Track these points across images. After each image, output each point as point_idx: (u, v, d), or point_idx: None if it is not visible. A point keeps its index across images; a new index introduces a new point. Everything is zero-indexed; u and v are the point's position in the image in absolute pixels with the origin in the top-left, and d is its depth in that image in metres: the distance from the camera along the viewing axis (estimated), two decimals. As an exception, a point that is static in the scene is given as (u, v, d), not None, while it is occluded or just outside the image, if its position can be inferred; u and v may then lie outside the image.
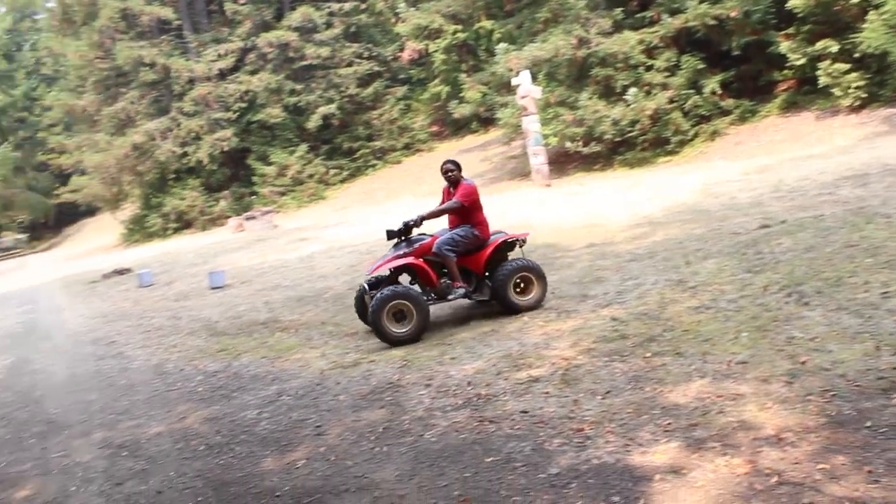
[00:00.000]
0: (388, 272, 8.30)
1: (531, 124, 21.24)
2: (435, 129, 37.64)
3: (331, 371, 7.12)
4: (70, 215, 57.84)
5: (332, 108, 33.95)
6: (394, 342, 7.67)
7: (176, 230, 35.62)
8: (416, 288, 8.20)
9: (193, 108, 34.78)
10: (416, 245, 8.13)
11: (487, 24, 31.88)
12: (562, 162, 23.98)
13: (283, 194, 33.73)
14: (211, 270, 15.80)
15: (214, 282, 14.99)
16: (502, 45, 24.04)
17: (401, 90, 36.67)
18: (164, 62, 34.90)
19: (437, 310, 8.55)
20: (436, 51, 33.72)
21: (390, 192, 29.67)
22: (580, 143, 22.16)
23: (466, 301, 8.61)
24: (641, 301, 7.48)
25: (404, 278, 8.46)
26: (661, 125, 20.84)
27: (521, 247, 8.52)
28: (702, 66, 20.86)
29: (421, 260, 8.05)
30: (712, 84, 20.66)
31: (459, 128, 35.46)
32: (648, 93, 20.88)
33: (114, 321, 13.56)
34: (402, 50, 36.77)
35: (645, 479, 3.90)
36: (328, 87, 34.61)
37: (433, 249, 8.03)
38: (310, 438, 5.40)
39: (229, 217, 32.59)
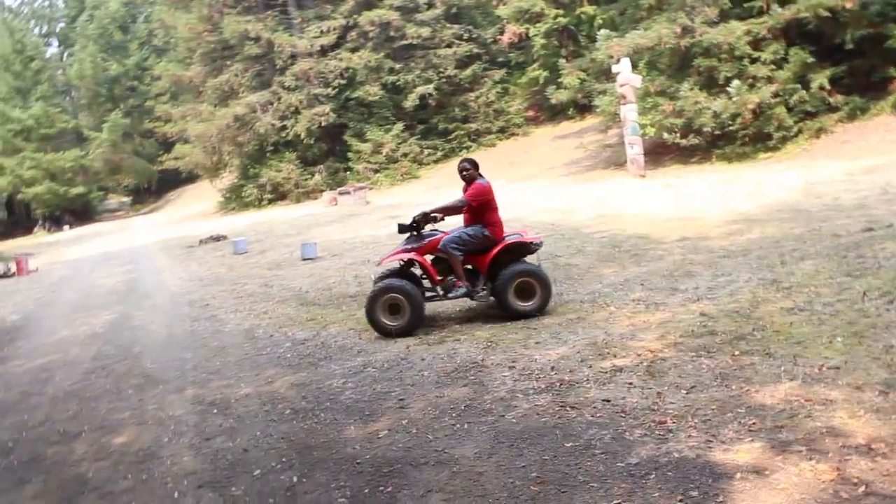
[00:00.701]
0: (398, 264, 8.40)
1: (629, 113, 20.94)
2: (531, 113, 37.42)
3: (416, 346, 7.25)
4: (172, 181, 59.80)
5: (429, 88, 34.09)
6: (386, 334, 7.86)
7: (271, 201, 36.46)
8: (417, 283, 8.23)
9: (294, 82, 35.44)
10: (425, 241, 8.18)
11: (590, 9, 31.48)
12: (658, 153, 23.56)
13: (376, 171, 34.12)
14: (303, 242, 16.18)
15: (306, 253, 15.35)
16: (604, 32, 23.67)
17: (499, 73, 36.51)
18: (269, 37, 35.61)
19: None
20: (536, 35, 33.45)
21: (483, 174, 29.63)
22: (678, 134, 21.72)
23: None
24: (733, 298, 7.35)
25: (418, 271, 8.43)
26: (763, 120, 20.21)
27: (534, 251, 8.28)
28: (811, 59, 20.07)
29: (424, 256, 8.14)
30: (821, 79, 19.88)
31: (556, 113, 35.17)
32: (752, 86, 20.25)
33: (209, 285, 14.05)
34: (501, 33, 36.58)
35: (725, 477, 3.87)
36: (427, 67, 34.76)
37: (439, 246, 8.05)
38: (393, 410, 5.53)
39: (323, 191, 33.16)
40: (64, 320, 12.80)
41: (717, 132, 21.01)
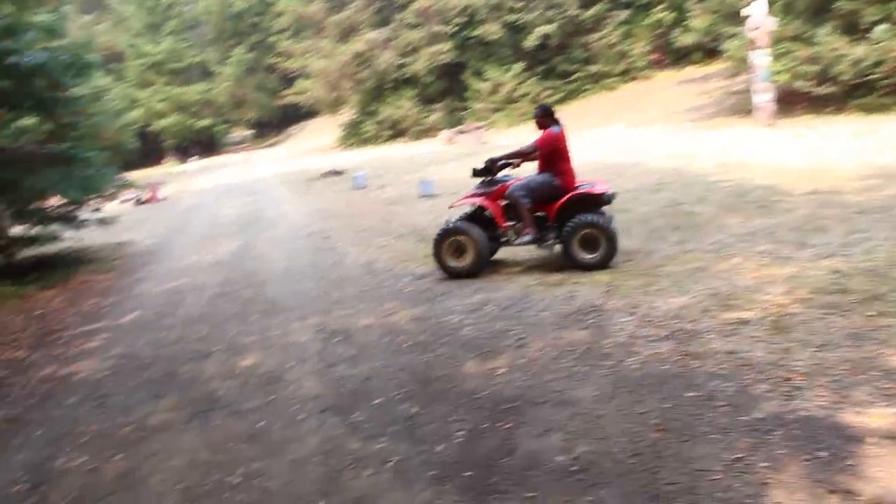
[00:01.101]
0: (471, 208, 8.44)
1: (760, 59, 19.98)
2: (654, 56, 36.23)
3: (536, 287, 7.25)
4: (293, 116, 61.11)
5: (551, 28, 33.44)
6: (451, 274, 8.06)
7: (389, 138, 36.86)
8: (489, 227, 8.23)
9: (415, 20, 35.41)
10: (496, 186, 8.20)
11: (724, -54, 30.01)
12: (788, 102, 22.47)
13: (494, 111, 33.90)
14: (422, 180, 16.32)
15: (425, 190, 15.50)
16: (739, -29, 22.58)
17: (622, 14, 35.36)
18: (392, -28, 35.69)
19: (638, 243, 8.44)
20: (664, -27, 32.29)
21: (603, 117, 29.08)
22: (812, 82, 20.60)
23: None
24: (868, 256, 7.00)
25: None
26: (909, 68, 18.97)
27: (607, 202, 8.01)
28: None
29: (493, 201, 8.16)
30: (977, 25, 18.45)
31: (680, 57, 33.94)
32: (900, 31, 19.00)
33: (329, 218, 14.39)
34: (628, -29, 35.49)
35: (856, 440, 3.72)
36: (549, 6, 34.03)
37: (506, 193, 8.06)
38: (511, 349, 5.57)
39: (441, 129, 33.26)
40: (192, 247, 13.39)
41: (855, 81, 19.84)
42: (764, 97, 20.01)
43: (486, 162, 8.27)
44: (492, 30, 34.01)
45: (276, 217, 15.88)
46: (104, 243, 15.10)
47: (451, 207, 9.06)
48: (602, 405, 4.41)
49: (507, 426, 4.27)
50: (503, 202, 8.19)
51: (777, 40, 21.14)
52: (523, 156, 8.28)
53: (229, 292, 9.10)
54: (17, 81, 11.26)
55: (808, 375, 4.51)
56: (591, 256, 7.75)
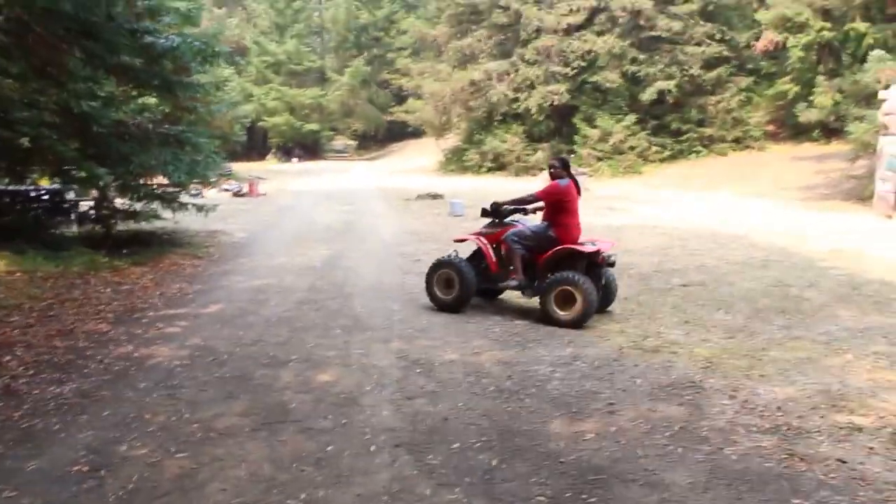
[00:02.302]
0: (476, 247, 8.77)
1: (889, 146, 19.13)
2: (771, 128, 35.29)
3: (629, 350, 6.88)
4: (397, 133, 61.82)
5: (670, 84, 32.90)
6: (439, 305, 8.48)
7: (490, 169, 36.79)
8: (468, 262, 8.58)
9: (534, 57, 35.37)
10: (497, 228, 8.56)
11: (861, 26, 28.97)
12: (911, 195, 21.47)
13: (600, 159, 33.48)
14: (452, 200, 16.54)
15: (454, 210, 16.74)
16: (877, 53, 21.74)
17: (745, 80, 34.61)
18: (518, 7, 35.74)
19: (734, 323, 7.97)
20: (794, 46, 31.22)
21: (709, 181, 28.37)
22: (941, 178, 19.64)
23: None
24: None
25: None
26: None
27: (603, 263, 8.11)
28: None
29: (489, 242, 8.54)
30: None
31: (799, 132, 32.91)
32: None
33: (422, 241, 14.26)
34: (757, 39, 34.49)
35: None
36: (671, 62, 33.55)
37: (502, 237, 8.36)
38: (601, 413, 5.22)
39: (543, 169, 32.98)
40: (283, 247, 13.43)
41: None
42: (887, 186, 19.14)
43: (493, 204, 8.65)
44: (610, 77, 33.70)
45: (369, 230, 15.85)
46: (198, 229, 15.31)
47: (454, 241, 9.41)
48: (696, 495, 4.03)
49: (592, 500, 3.93)
50: (503, 245, 8.45)
51: (909, 129, 20.22)
52: (524, 203, 8.56)
53: (315, 300, 8.99)
54: (149, 61, 11.53)
55: None
56: (564, 314, 7.75)
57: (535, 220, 8.80)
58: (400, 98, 54.79)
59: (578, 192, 8.27)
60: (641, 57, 34.08)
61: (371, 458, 4.42)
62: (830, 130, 29.57)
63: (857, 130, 22.17)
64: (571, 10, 35.06)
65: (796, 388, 5.91)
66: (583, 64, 34.86)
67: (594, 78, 34.49)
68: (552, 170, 8.29)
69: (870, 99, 22.27)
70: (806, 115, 27.73)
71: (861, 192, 22.29)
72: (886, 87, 19.61)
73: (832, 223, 17.29)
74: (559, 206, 8.13)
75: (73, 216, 13.87)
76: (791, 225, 16.85)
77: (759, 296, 9.45)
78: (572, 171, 8.61)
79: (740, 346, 7.14)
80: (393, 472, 4.25)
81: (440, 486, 4.07)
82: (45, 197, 14.00)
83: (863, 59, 24.88)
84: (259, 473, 4.20)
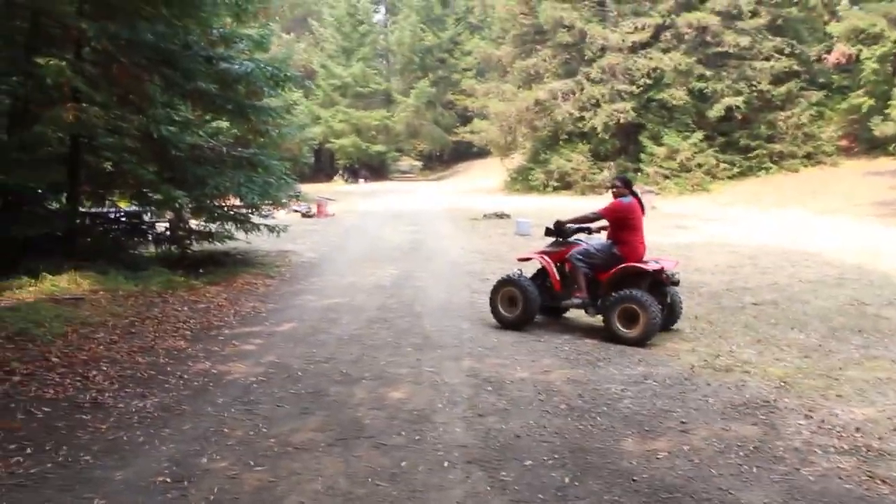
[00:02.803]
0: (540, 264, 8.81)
1: (969, 161, 18.55)
2: (844, 143, 34.43)
3: (701, 369, 6.81)
4: (462, 154, 62.07)
5: (738, 100, 32.37)
6: (503, 323, 8.53)
7: (555, 189, 36.66)
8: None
9: (599, 75, 35.23)
10: (562, 247, 8.63)
11: (940, 36, 28.19)
12: None
13: (667, 177, 33.07)
14: (518, 219, 16.77)
15: (521, 230, 17.44)
16: (956, 66, 21.12)
17: (816, 95, 33.85)
18: (582, 27, 35.65)
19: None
20: (868, 58, 30.48)
21: (779, 198, 27.80)
22: None
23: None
24: None
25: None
26: None
27: (667, 283, 8.15)
28: None
29: (552, 260, 8.60)
30: None
31: (873, 147, 32.05)
32: None
33: (490, 260, 14.31)
34: (828, 51, 33.81)
35: None
36: (739, 78, 33.03)
37: (567, 255, 8.40)
38: (674, 432, 5.19)
39: (609, 188, 32.81)
40: (352, 266, 13.62)
41: None
42: (967, 203, 18.50)
43: (557, 223, 8.73)
44: (676, 95, 33.33)
45: (436, 250, 15.96)
46: (269, 249, 15.62)
47: (518, 260, 9.44)
48: (773, 515, 3.99)
49: (666, 519, 3.93)
50: (567, 264, 8.51)
51: None
52: (587, 221, 8.61)
53: (385, 318, 9.11)
54: (223, 86, 11.92)
55: None
56: (628, 332, 7.76)
57: (598, 238, 8.81)
58: (465, 118, 55.02)
59: (643, 210, 8.27)
60: (708, 73, 33.64)
61: (444, 474, 4.48)
62: (907, 145, 28.77)
63: (936, 144, 21.53)
64: (637, 28, 34.85)
65: (876, 408, 5.79)
66: (648, 81, 34.58)
67: (660, 95, 34.17)
68: (614, 189, 8.36)
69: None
70: (881, 128, 27.02)
71: (939, 209, 21.64)
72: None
73: (904, 239, 16.83)
74: (623, 223, 8.16)
75: (150, 237, 14.30)
76: (865, 242, 16.43)
77: (834, 314, 9.26)
78: (636, 190, 8.63)
79: (816, 366, 7.01)
80: (466, 487, 4.30)
81: (513, 502, 4.11)
82: (124, 219, 14.47)
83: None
84: (335, 487, 4.30)
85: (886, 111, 27.66)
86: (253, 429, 5.27)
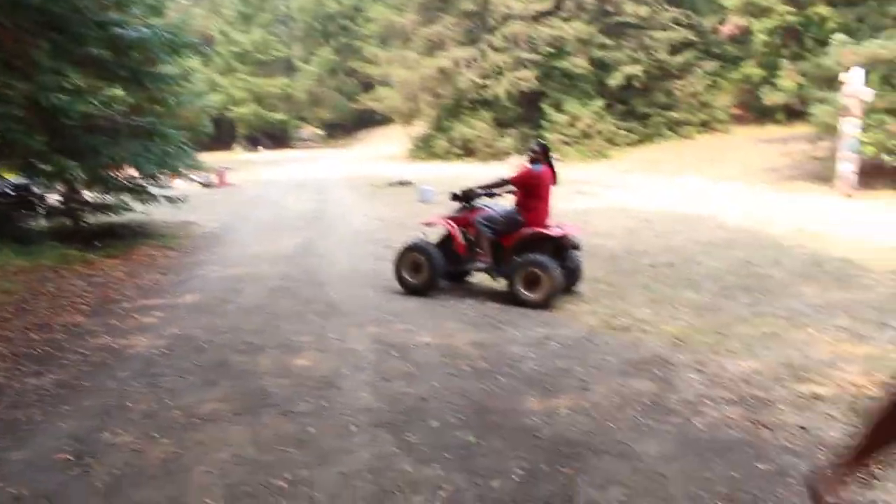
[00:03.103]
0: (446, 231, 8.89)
1: (850, 128, 19.50)
2: (736, 111, 35.72)
3: (600, 329, 7.04)
4: (365, 121, 61.71)
5: (637, 69, 33.18)
6: (408, 289, 8.63)
7: (458, 156, 36.90)
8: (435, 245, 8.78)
9: (503, 43, 35.50)
10: (466, 212, 8.74)
11: (824, 10, 29.38)
12: (869, 174, 21.81)
13: (568, 144, 33.69)
14: (422, 186, 16.95)
15: (424, 197, 17.69)
16: (839, 36, 22.06)
17: (711, 65, 34.96)
18: (486, -6, 35.83)
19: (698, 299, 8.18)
20: (759, 30, 31.62)
21: (676, 165, 28.69)
22: (900, 158, 20.03)
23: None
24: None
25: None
26: None
27: (570, 247, 8.41)
28: None
29: (457, 225, 8.69)
30: None
31: (763, 115, 33.36)
32: None
33: (392, 228, 14.35)
34: (722, 23, 34.88)
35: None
36: (638, 47, 33.83)
37: (471, 219, 8.55)
38: (574, 390, 5.38)
39: (510, 155, 33.17)
40: (255, 237, 13.46)
41: (946, 164, 19.23)
42: (848, 167, 19.52)
43: (465, 190, 8.83)
44: (578, 63, 33.88)
45: (340, 219, 15.90)
46: (169, 221, 15.27)
47: (423, 225, 9.55)
48: (666, 464, 4.19)
49: (566, 471, 4.08)
50: (471, 228, 8.63)
51: (870, 111, 20.62)
52: (497, 188, 8.70)
53: (289, 288, 9.06)
54: (117, 52, 11.48)
55: (890, 466, 4.23)
56: (531, 295, 7.97)
57: (503, 204, 8.95)
58: (367, 86, 54.61)
59: (555, 180, 8.41)
60: (609, 42, 34.29)
61: (351, 438, 4.54)
62: (794, 113, 30.00)
63: (819, 113, 22.52)
64: (540, -3, 35.22)
65: (761, 361, 6.11)
66: (550, 50, 35.02)
67: (562, 64, 34.66)
68: (532, 153, 8.41)
69: (832, 82, 22.65)
70: (771, 97, 28.12)
71: (823, 173, 22.70)
72: (848, 70, 19.95)
73: (796, 203, 17.64)
74: (531, 190, 8.28)
75: (41, 210, 13.77)
76: (757, 206, 17.16)
77: (725, 274, 9.68)
78: (554, 158, 8.78)
79: (707, 323, 7.33)
80: (374, 450, 4.36)
81: (420, 462, 4.20)
82: (11, 191, 13.88)
83: (825, 43, 25.27)
84: (243, 456, 4.30)
85: (775, 81, 28.76)
86: (157, 401, 5.20)
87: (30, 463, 4.27)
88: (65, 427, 4.77)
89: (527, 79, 34.61)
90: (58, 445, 4.48)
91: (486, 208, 8.73)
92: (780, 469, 4.14)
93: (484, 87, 35.96)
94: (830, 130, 22.05)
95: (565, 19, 34.79)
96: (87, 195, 13.51)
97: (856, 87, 19.33)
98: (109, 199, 13.22)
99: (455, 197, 8.94)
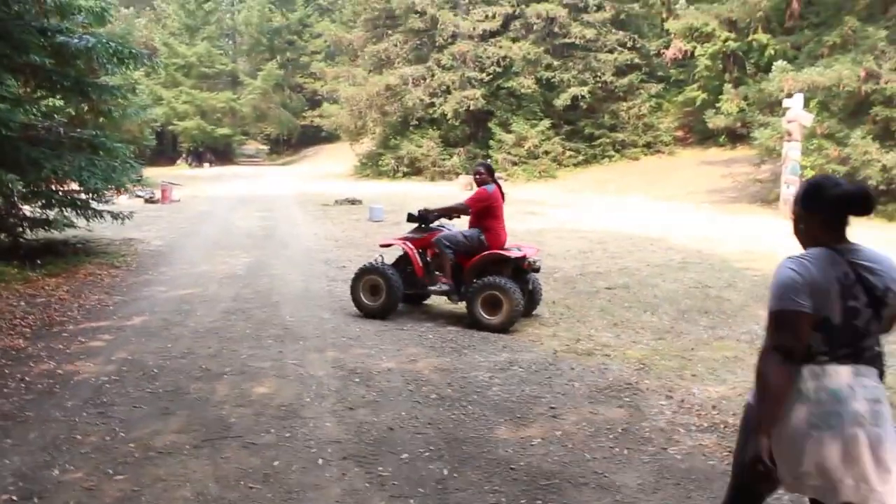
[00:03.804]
0: (402, 252, 8.71)
1: (792, 152, 19.88)
2: (680, 133, 36.32)
3: (564, 354, 6.94)
4: (311, 138, 61.21)
5: (583, 90, 33.47)
6: (365, 312, 8.38)
7: (405, 174, 36.76)
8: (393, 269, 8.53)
9: (450, 62, 35.55)
10: (425, 233, 8.50)
11: (763, 37, 30.11)
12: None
13: (515, 164, 33.78)
14: (371, 205, 16.99)
15: (374, 216, 17.70)
16: (780, 63, 22.59)
17: (655, 87, 35.46)
18: (434, 13, 35.80)
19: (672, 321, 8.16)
20: (701, 55, 32.24)
21: (622, 186, 28.99)
22: (840, 182, 20.46)
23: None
24: None
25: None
26: (938, 183, 18.84)
27: (528, 269, 8.24)
28: None
29: (415, 247, 8.45)
30: None
31: (706, 138, 33.98)
32: (932, 145, 18.91)
33: (344, 247, 14.13)
34: (666, 47, 35.44)
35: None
36: (584, 69, 34.15)
37: (432, 240, 8.29)
38: (544, 418, 5.25)
39: (459, 174, 33.17)
40: (203, 254, 13.11)
41: (882, 187, 19.72)
42: (790, 190, 19.87)
43: (421, 211, 8.60)
44: (525, 83, 34.04)
45: (290, 237, 15.62)
46: (112, 237, 14.80)
47: (380, 246, 9.29)
48: (647, 496, 4.09)
49: (547, 506, 3.94)
50: (431, 250, 8.43)
51: (810, 136, 21.10)
52: (456, 211, 8.55)
53: (242, 309, 8.78)
54: (60, 62, 11.07)
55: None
56: (491, 318, 7.83)
57: (460, 224, 8.82)
58: (314, 102, 54.29)
59: (503, 197, 8.33)
60: (556, 63, 34.57)
61: (320, 472, 4.33)
62: (736, 136, 30.62)
63: (762, 136, 23.00)
64: (487, 17, 35.34)
65: (727, 386, 6.08)
66: (498, 69, 35.19)
67: (509, 83, 34.83)
68: (478, 175, 8.30)
69: (773, 106, 23.16)
70: (714, 121, 28.62)
71: (766, 196, 23.17)
72: (789, 95, 20.40)
73: (741, 225, 17.89)
74: (487, 211, 8.15)
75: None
76: (703, 227, 17.36)
77: (681, 297, 9.69)
78: (498, 178, 8.70)
79: (670, 347, 7.31)
80: (344, 485, 4.17)
81: (394, 497, 4.02)
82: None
83: (766, 69, 25.86)
84: (206, 493, 4.05)
85: (718, 105, 29.32)
86: (109, 433, 4.91)
87: (-29, 504, 3.97)
88: (8, 463, 4.45)
89: (474, 98, 34.67)
90: (1, 484, 4.17)
91: (444, 228, 8.59)
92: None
93: (431, 105, 35.92)
94: (772, 154, 22.52)
95: (513, 39, 35.01)
96: (27, 210, 12.96)
97: (796, 111, 19.74)
98: (52, 214, 12.71)
99: (411, 217, 8.73)
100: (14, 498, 4.01)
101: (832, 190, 2.67)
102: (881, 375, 2.66)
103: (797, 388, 2.60)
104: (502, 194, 8.33)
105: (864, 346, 2.62)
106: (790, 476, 2.62)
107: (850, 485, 2.50)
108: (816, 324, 2.58)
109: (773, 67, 22.84)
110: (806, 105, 20.70)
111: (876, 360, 2.65)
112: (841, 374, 2.58)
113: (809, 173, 20.86)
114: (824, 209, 2.67)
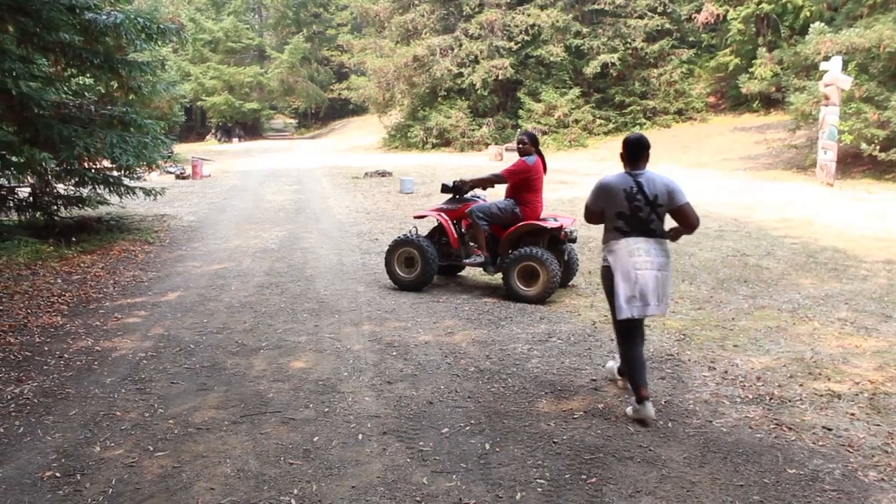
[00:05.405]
0: (436, 223, 8.65)
1: (830, 116, 19.45)
2: (713, 100, 35.78)
3: (603, 325, 6.84)
4: (338, 111, 61.17)
5: (613, 57, 33.02)
6: (400, 285, 8.37)
7: (435, 146, 36.58)
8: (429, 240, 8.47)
9: (478, 31, 35.17)
10: (459, 204, 8.44)
11: (799, -1, 29.49)
12: (848, 163, 21.89)
13: (545, 133, 33.48)
14: (402, 177, 16.90)
15: (404, 188, 17.59)
16: (817, 25, 22.02)
17: (687, 53, 34.89)
18: (461, -19, 35.45)
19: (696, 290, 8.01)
20: (735, 18, 31.61)
21: (653, 154, 27.55)
22: (877, 146, 20.04)
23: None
24: (962, 339, 6.53)
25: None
26: (979, 145, 18.35)
27: (565, 239, 8.12)
28: None
29: (450, 218, 8.43)
30: None
31: (739, 104, 33.45)
32: (977, 106, 18.39)
33: (376, 220, 14.06)
34: (698, 11, 34.76)
35: None
36: (614, 35, 33.67)
37: (466, 212, 8.24)
38: (586, 391, 5.16)
39: (488, 144, 32.94)
40: (235, 229, 13.11)
41: (923, 151, 19.26)
42: (828, 155, 19.51)
43: (456, 181, 8.47)
44: (554, 51, 33.65)
45: (322, 210, 15.59)
46: (145, 214, 14.88)
47: (414, 217, 9.18)
48: (694, 470, 3.99)
49: (592, 481, 3.85)
50: (465, 221, 8.38)
51: (847, 100, 20.61)
52: (491, 182, 8.36)
53: (277, 283, 8.76)
54: (89, 39, 11.02)
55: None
56: (528, 290, 7.76)
57: (494, 195, 8.70)
58: (341, 75, 54.12)
59: (545, 169, 8.16)
60: (585, 30, 34.13)
61: (360, 448, 4.28)
62: (769, 101, 30.08)
63: (797, 101, 22.47)
64: (515, -16, 34.94)
65: (771, 357, 5.95)
66: (526, 38, 34.78)
67: (538, 52, 34.45)
68: (521, 145, 8.04)
69: (809, 70, 22.65)
70: (748, 86, 28.10)
71: (801, 162, 22.74)
72: (827, 58, 19.92)
73: (777, 192, 17.58)
74: (525, 183, 7.98)
75: (10, 203, 13.29)
76: (738, 195, 17.08)
77: (719, 266, 9.53)
78: (514, 145, 8.52)
79: (710, 317, 7.18)
80: (385, 460, 4.12)
81: (436, 473, 3.96)
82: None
83: (801, 31, 25.28)
84: (246, 469, 4.03)
85: (751, 70, 28.77)
86: (148, 410, 4.91)
87: (13, 482, 3.96)
88: (50, 440, 4.47)
89: (502, 67, 34.33)
90: (44, 462, 4.18)
91: (479, 199, 8.47)
92: (811, 474, 3.97)
93: (459, 75, 35.63)
94: (808, 119, 22.06)
95: (541, 7, 34.53)
96: (61, 188, 13.05)
97: (834, 74, 19.28)
98: (85, 191, 12.77)
99: (445, 188, 8.60)
100: (57, 475, 4.01)
101: (628, 137, 4.99)
102: (662, 238, 4.84)
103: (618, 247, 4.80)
104: (544, 165, 8.14)
105: (650, 228, 4.77)
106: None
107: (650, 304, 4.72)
108: (616, 214, 4.76)
109: (810, 29, 22.25)
110: (844, 68, 20.20)
111: (656, 234, 4.79)
112: (638, 242, 4.75)
113: (847, 138, 20.46)
114: (624, 148, 4.94)
